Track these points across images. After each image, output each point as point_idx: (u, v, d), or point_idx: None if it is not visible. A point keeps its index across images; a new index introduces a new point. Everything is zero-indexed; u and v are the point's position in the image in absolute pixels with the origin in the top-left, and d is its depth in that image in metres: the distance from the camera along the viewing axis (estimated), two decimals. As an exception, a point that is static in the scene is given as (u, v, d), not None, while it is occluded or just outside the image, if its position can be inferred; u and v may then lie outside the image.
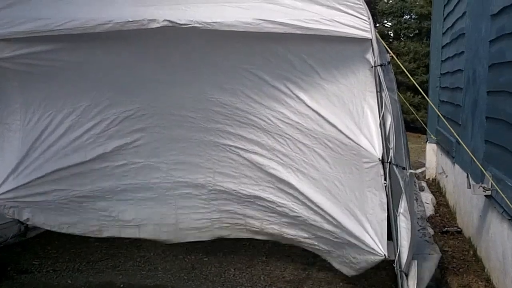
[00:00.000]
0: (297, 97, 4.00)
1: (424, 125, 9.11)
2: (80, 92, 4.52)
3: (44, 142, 4.55)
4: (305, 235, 4.51)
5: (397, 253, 3.71)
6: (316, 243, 4.50)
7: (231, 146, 4.67)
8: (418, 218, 5.93)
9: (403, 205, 3.74)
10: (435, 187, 8.63)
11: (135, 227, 5.25)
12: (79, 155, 4.70)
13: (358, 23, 3.51)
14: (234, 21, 3.57)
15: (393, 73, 4.34)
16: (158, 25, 3.61)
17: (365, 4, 3.53)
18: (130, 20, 3.65)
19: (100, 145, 4.76)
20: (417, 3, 18.86)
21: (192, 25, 3.59)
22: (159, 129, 4.86)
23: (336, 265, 4.50)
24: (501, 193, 4.07)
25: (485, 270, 4.83)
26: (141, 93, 4.62)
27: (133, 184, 5.06)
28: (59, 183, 4.78)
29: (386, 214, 3.72)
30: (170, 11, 3.63)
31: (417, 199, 6.81)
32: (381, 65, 3.59)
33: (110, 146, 4.79)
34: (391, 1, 19.99)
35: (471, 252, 5.38)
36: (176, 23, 3.60)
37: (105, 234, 5.26)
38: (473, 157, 4.58)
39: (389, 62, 3.90)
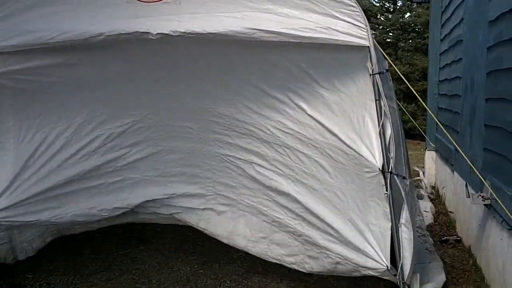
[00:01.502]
0: (297, 106, 3.95)
1: (423, 133, 9.07)
2: (75, 108, 4.50)
3: (37, 160, 4.51)
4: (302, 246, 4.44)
5: (400, 265, 3.65)
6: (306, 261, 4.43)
7: (229, 156, 4.64)
8: (417, 227, 5.87)
9: (404, 216, 3.69)
10: (435, 195, 8.56)
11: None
12: (73, 173, 4.65)
13: (355, 31, 3.46)
14: (229, 30, 3.53)
15: (391, 81, 4.28)
16: (153, 38, 3.57)
17: (362, 11, 3.48)
18: (123, 32, 3.61)
19: (95, 162, 4.72)
20: (419, 17, 18.92)
21: (186, 36, 3.55)
22: (156, 141, 4.84)
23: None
24: (500, 202, 4.01)
25: (485, 280, 4.75)
26: (137, 106, 4.60)
27: (129, 199, 5.02)
28: (53, 201, 4.73)
29: (390, 224, 3.66)
30: (164, 23, 3.59)
31: (416, 208, 6.74)
32: (379, 73, 3.54)
33: (105, 163, 4.76)
34: (390, 16, 20.07)
35: (471, 262, 5.30)
36: (170, 34, 3.55)
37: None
38: (472, 166, 4.51)
39: (387, 70, 3.84)
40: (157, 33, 3.56)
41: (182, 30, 3.55)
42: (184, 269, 5.06)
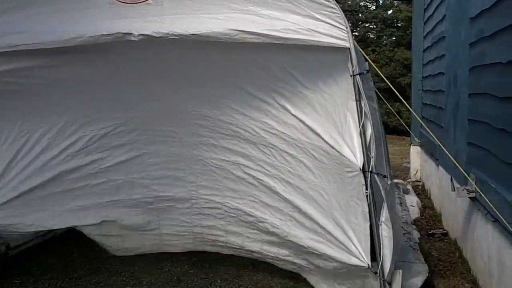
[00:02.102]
0: (282, 106, 3.99)
1: (407, 129, 9.15)
2: (57, 109, 4.49)
3: (20, 162, 4.52)
4: (286, 252, 4.49)
5: (380, 262, 3.69)
6: (296, 261, 4.47)
7: (214, 159, 4.64)
8: (403, 222, 5.93)
9: (384, 214, 3.74)
10: (420, 189, 8.66)
11: (117, 236, 5.21)
12: (56, 173, 4.64)
13: (335, 32, 3.51)
14: (211, 32, 3.55)
15: (372, 81, 4.34)
16: (135, 39, 3.57)
17: (343, 13, 3.53)
18: (105, 33, 3.61)
19: (78, 163, 4.72)
20: (400, 13, 19.11)
21: (168, 37, 3.56)
22: (140, 144, 4.83)
23: (314, 282, 4.50)
24: (483, 196, 4.08)
25: (471, 272, 4.84)
26: (120, 109, 4.59)
27: (114, 200, 5.01)
28: (37, 204, 4.72)
29: (369, 223, 3.71)
30: (146, 24, 3.60)
31: (401, 203, 6.81)
32: (359, 74, 3.59)
33: (88, 164, 4.75)
34: (373, 8, 20.19)
35: (457, 254, 5.38)
36: (152, 36, 3.56)
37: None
38: (455, 161, 4.58)
39: (367, 71, 3.91)
40: (139, 34, 3.57)
41: (165, 31, 3.56)
42: (175, 270, 5.06)
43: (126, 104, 4.54)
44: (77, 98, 4.47)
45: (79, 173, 4.76)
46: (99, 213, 5.04)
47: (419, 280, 4.30)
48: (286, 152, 4.13)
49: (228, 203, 4.66)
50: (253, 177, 4.44)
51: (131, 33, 3.57)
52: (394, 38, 19.37)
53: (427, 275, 4.50)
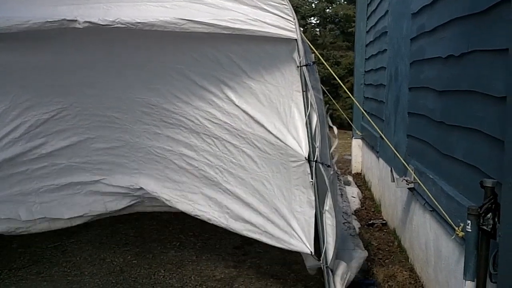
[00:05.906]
0: (226, 96, 3.98)
1: (350, 122, 9.35)
2: None
3: None
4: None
5: (323, 250, 3.77)
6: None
7: (157, 147, 4.63)
8: (343, 213, 6.07)
9: (328, 203, 3.80)
10: (361, 181, 8.87)
11: (66, 220, 5.12)
12: None
13: (283, 23, 3.53)
14: (158, 21, 3.48)
15: (318, 73, 4.40)
16: (80, 26, 3.47)
17: (290, 5, 3.56)
18: (49, 20, 3.49)
19: (20, 149, 4.60)
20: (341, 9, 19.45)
21: (114, 26, 3.49)
22: (83, 130, 4.75)
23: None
24: (422, 185, 4.23)
25: (409, 260, 5.01)
26: (63, 93, 4.49)
27: (55, 184, 4.92)
28: None
29: (314, 212, 3.77)
30: (91, 11, 3.50)
31: (342, 194, 6.96)
32: (306, 65, 3.63)
33: (30, 149, 4.64)
34: (314, 4, 20.40)
35: (396, 243, 5.56)
36: (98, 24, 3.47)
37: (34, 231, 5.12)
38: (396, 152, 4.72)
39: (314, 62, 3.95)
40: (85, 21, 3.47)
41: (110, 19, 3.47)
42: (117, 260, 5.00)
43: (69, 89, 4.45)
44: (19, 83, 4.34)
45: (20, 158, 4.64)
46: (39, 197, 4.93)
47: (355, 262, 4.40)
48: (229, 142, 4.14)
49: (166, 194, 4.66)
50: (195, 167, 4.44)
51: (76, 20, 3.47)
52: (336, 35, 19.70)
53: (365, 255, 4.62)
